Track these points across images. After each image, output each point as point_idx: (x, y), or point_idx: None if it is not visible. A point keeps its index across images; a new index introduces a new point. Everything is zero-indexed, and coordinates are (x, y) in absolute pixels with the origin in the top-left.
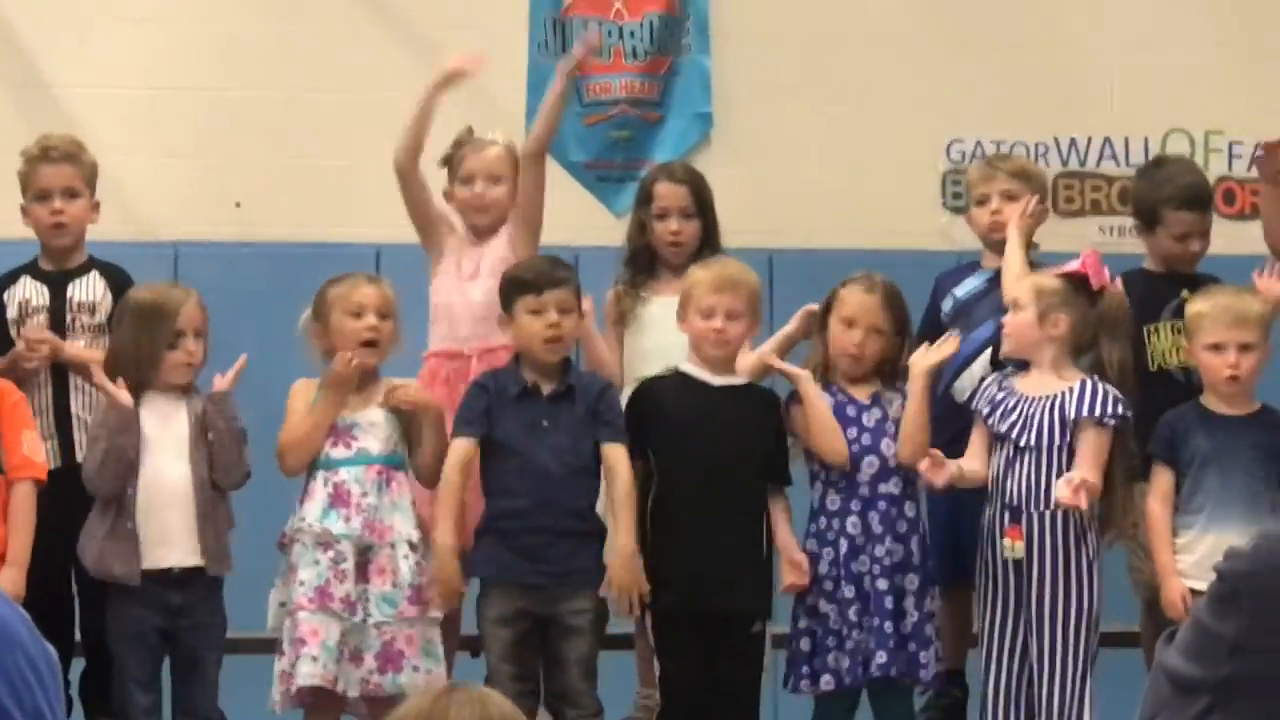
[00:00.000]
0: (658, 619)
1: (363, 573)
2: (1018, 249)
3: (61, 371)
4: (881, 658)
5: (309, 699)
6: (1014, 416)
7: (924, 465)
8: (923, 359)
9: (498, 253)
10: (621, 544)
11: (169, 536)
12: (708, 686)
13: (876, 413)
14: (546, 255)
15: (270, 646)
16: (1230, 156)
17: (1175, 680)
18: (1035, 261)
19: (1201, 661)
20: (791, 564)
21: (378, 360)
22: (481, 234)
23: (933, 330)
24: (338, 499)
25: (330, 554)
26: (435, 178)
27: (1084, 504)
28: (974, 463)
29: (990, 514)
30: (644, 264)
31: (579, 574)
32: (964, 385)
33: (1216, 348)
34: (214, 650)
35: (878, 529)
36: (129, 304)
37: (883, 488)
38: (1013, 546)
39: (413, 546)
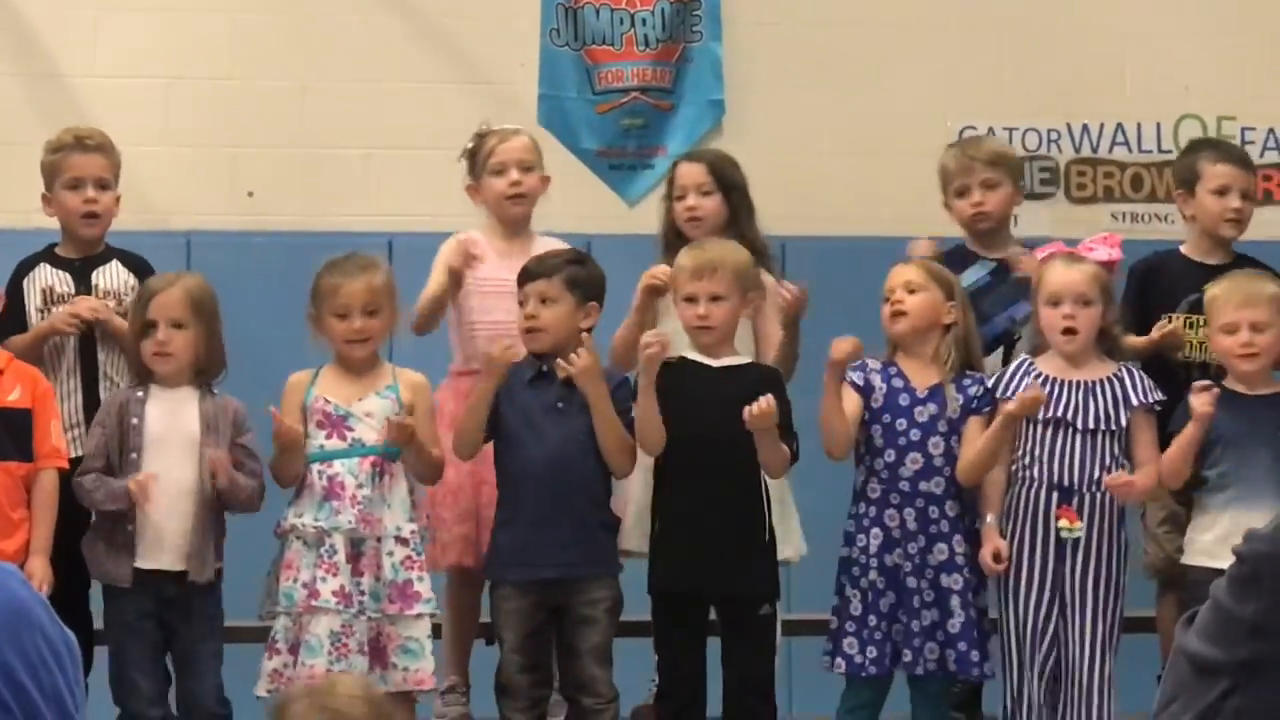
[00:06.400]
0: (657, 603)
1: (356, 566)
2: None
3: (90, 359)
4: (907, 656)
5: None
6: (1063, 401)
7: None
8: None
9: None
10: None
11: (163, 540)
12: (702, 671)
13: (932, 407)
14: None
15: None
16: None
17: (1195, 663)
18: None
19: (1221, 644)
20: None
21: (366, 353)
22: (513, 226)
23: None
24: (331, 493)
25: (323, 549)
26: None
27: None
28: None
29: (1027, 495)
30: (672, 246)
31: (594, 564)
32: None
33: (1229, 329)
34: (212, 642)
35: (912, 525)
36: None
37: (923, 486)
38: (1070, 528)
39: (402, 541)
